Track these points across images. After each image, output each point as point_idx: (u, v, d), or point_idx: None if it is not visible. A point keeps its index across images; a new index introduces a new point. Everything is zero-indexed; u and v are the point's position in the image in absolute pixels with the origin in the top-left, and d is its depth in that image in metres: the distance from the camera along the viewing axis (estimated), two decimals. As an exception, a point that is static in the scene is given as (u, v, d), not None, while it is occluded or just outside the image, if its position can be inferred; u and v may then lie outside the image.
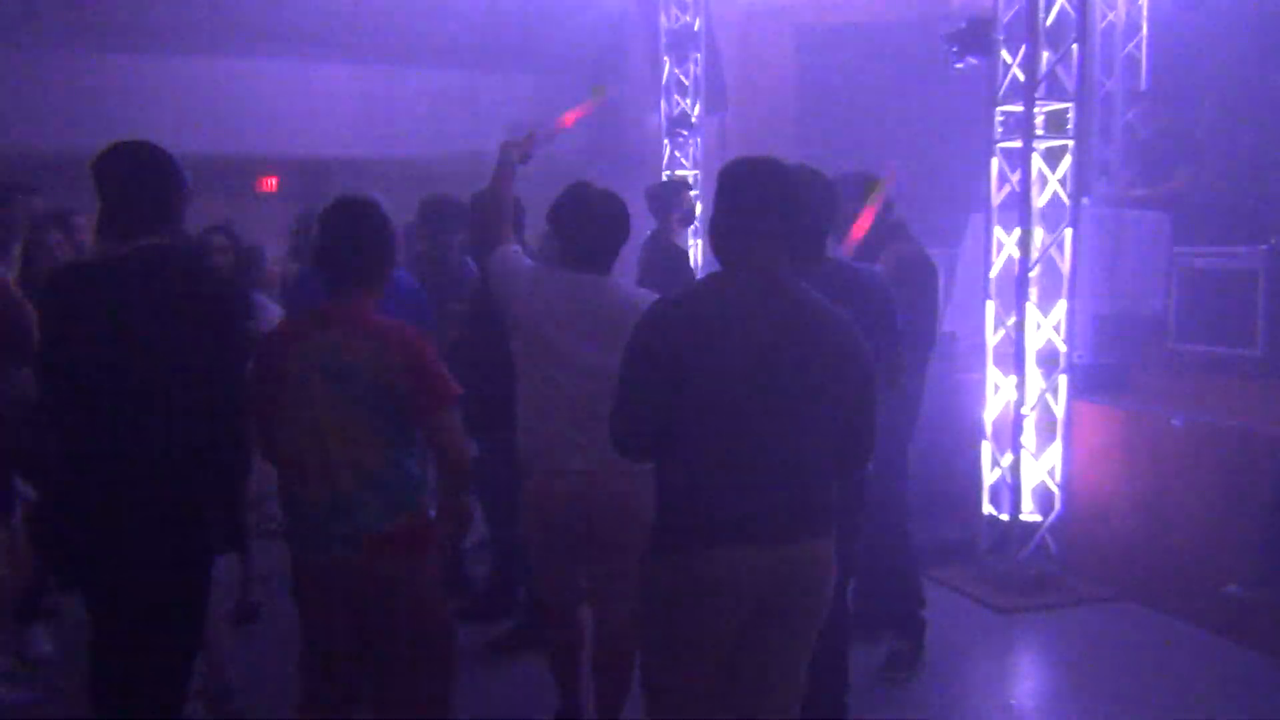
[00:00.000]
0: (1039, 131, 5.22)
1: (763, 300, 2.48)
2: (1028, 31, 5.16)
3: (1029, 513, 5.35)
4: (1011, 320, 5.32)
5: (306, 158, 9.98)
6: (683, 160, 8.59)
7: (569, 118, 4.03)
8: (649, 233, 6.24)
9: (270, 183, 10.74)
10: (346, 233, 2.84)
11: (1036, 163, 5.21)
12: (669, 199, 6.25)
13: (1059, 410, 5.33)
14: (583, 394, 3.21)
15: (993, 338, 5.48)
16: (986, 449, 5.49)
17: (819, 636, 2.68)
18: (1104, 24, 7.48)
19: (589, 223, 3.36)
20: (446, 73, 9.95)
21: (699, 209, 7.73)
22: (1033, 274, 5.22)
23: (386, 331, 2.77)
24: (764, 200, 2.55)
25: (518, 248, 3.65)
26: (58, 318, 2.80)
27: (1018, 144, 5.26)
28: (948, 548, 5.59)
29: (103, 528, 2.72)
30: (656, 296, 2.94)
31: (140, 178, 2.84)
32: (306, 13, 9.13)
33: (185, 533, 2.76)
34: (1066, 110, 5.23)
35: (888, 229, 4.32)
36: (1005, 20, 5.36)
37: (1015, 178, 5.29)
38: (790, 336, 2.45)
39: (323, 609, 2.87)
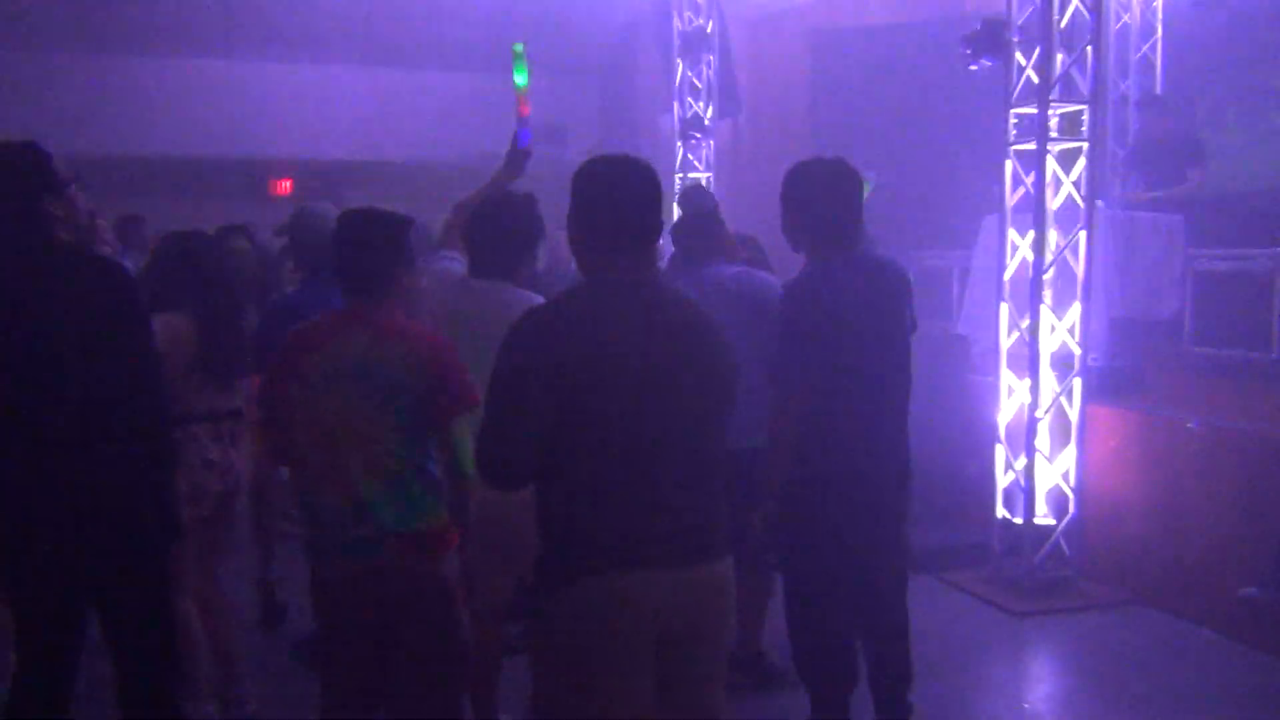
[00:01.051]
0: (1053, 134, 5.21)
1: (638, 310, 2.32)
2: (1042, 33, 5.15)
3: (1043, 516, 5.33)
4: (1025, 323, 5.30)
5: (320, 160, 10.01)
6: (695, 163, 8.59)
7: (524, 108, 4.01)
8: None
9: (284, 185, 10.78)
10: (363, 239, 2.86)
11: (1051, 165, 5.20)
12: (700, 200, 6.24)
13: (1073, 414, 5.31)
14: None
15: (1006, 340, 5.47)
16: (1000, 452, 5.47)
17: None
18: (1118, 26, 7.46)
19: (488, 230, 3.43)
20: (459, 76, 9.98)
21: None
22: (1047, 276, 5.20)
23: (414, 333, 2.81)
24: (620, 203, 2.38)
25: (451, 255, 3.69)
26: None
27: (1032, 146, 5.24)
28: (961, 551, 5.58)
29: (35, 532, 2.74)
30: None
31: (8, 181, 2.83)
32: (320, 17, 9.17)
33: (120, 524, 2.78)
34: (1081, 112, 5.22)
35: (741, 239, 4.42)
36: (1020, 22, 5.34)
37: (1029, 180, 5.28)
38: (670, 347, 2.30)
39: (342, 616, 2.87)
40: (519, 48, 3.78)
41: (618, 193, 2.40)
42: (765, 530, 3.24)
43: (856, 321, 3.20)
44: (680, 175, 8.53)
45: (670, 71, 8.72)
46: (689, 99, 8.59)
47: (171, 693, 2.96)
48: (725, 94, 8.51)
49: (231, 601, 3.84)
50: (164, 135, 9.34)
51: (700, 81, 8.52)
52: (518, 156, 3.80)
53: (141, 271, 4.02)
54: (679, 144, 8.64)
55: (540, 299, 3.16)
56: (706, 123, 8.51)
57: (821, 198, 3.30)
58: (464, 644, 2.94)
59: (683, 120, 8.62)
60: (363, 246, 2.86)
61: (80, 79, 9.24)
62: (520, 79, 3.83)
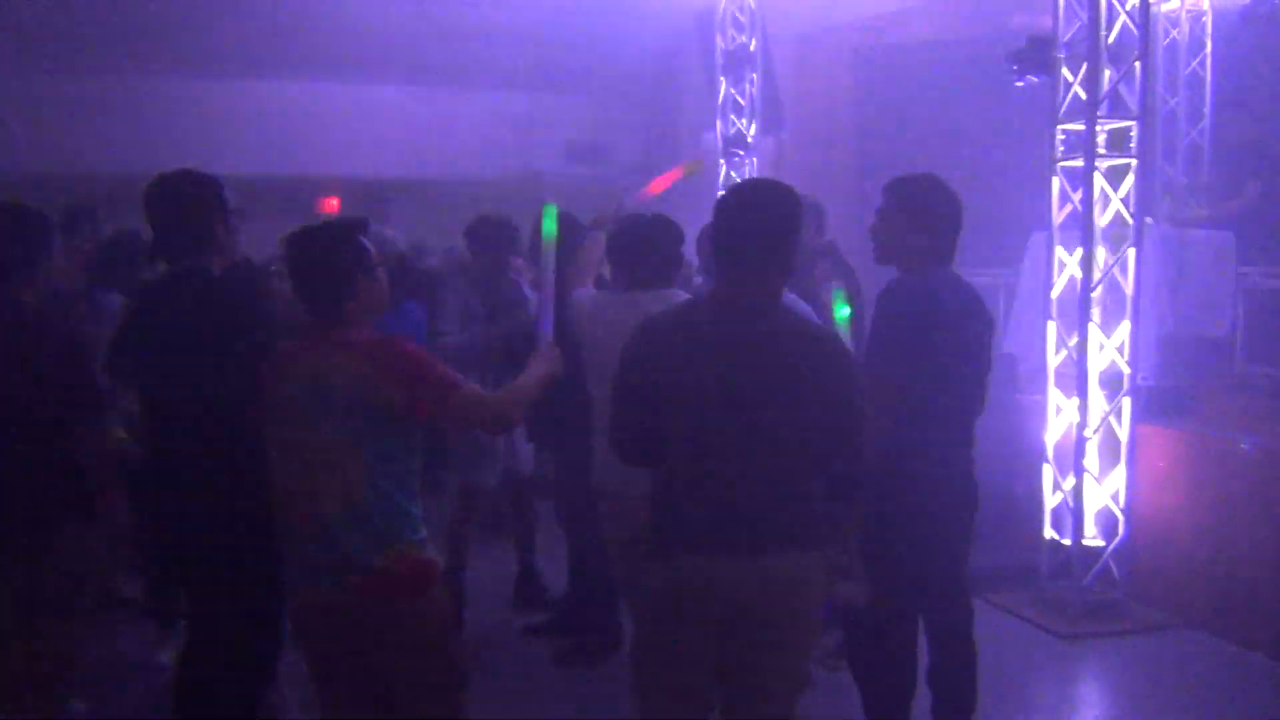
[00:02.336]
0: (1101, 150, 5.15)
1: (730, 322, 2.58)
2: (1090, 49, 5.10)
3: (1091, 537, 5.25)
4: (1074, 341, 5.24)
5: (367, 179, 10.13)
6: (738, 180, 8.58)
7: (657, 185, 4.03)
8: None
9: (332, 203, 10.91)
10: (305, 258, 2.80)
11: (1099, 182, 5.14)
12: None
13: (1123, 433, 5.24)
14: None
15: (1054, 359, 5.40)
16: (1048, 472, 5.40)
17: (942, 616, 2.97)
18: (1167, 41, 7.38)
19: (640, 245, 3.58)
20: (504, 94, 10.06)
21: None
22: (1095, 294, 5.14)
23: (373, 348, 2.70)
24: (741, 224, 2.63)
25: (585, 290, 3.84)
26: (121, 331, 3.25)
27: (1079, 163, 5.19)
28: (1008, 572, 5.50)
29: (183, 526, 3.03)
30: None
31: (180, 205, 3.09)
32: (367, 37, 9.29)
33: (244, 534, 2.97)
34: (1129, 128, 5.16)
35: (818, 249, 4.41)
36: (1066, 38, 5.30)
37: (1077, 197, 5.23)
38: (755, 356, 2.54)
39: (316, 644, 2.82)
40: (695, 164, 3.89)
41: (732, 215, 2.66)
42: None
43: (947, 336, 3.23)
44: (723, 193, 8.52)
45: (713, 89, 8.73)
46: (732, 116, 8.60)
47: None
48: (769, 111, 8.50)
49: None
50: (212, 155, 9.45)
51: (743, 99, 8.53)
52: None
53: None
54: (722, 161, 8.65)
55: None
56: (750, 140, 8.51)
57: (939, 212, 3.33)
58: (450, 693, 2.85)
59: (726, 138, 8.62)
60: (310, 265, 2.78)
61: (131, 100, 9.41)
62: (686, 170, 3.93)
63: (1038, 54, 5.44)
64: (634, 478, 3.23)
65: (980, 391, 3.39)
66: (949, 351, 3.24)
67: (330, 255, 2.76)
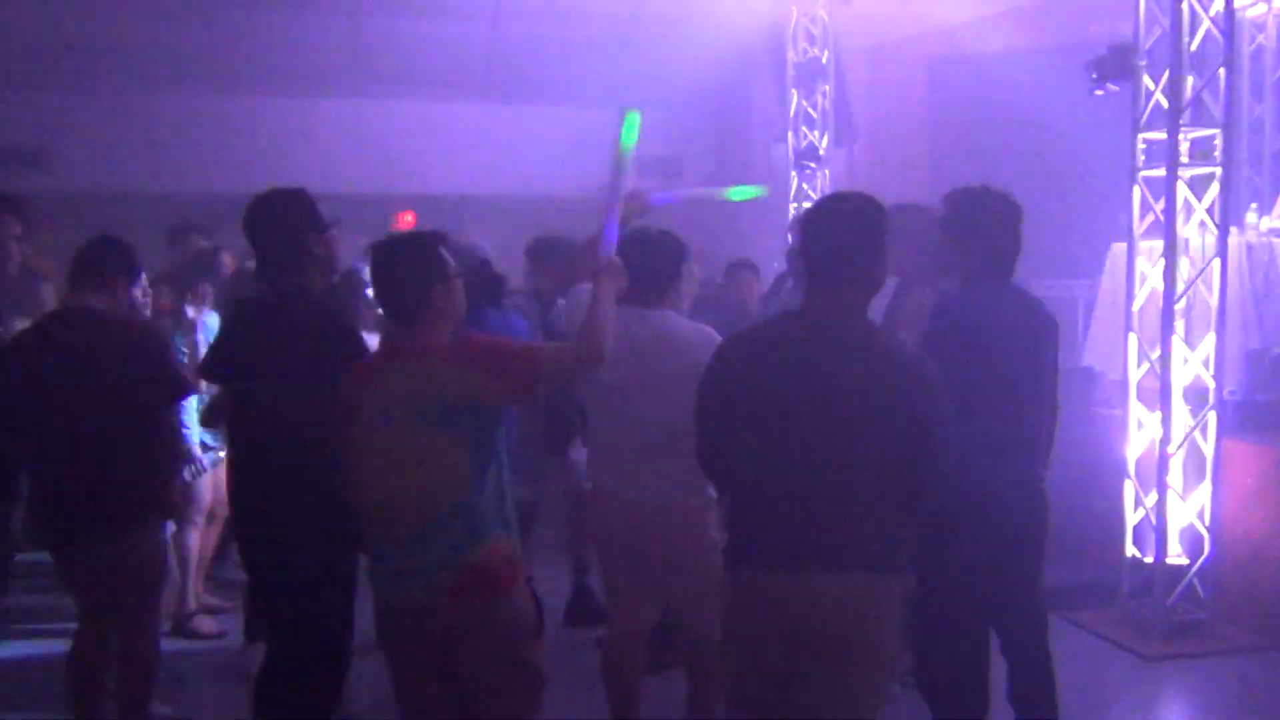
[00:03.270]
0: (1184, 159, 5.04)
1: (810, 338, 2.59)
2: (1172, 57, 5.00)
3: (1175, 556, 5.12)
4: (1156, 355, 5.12)
5: (442, 194, 10.26)
6: (810, 192, 8.55)
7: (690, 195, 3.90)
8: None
9: (407, 219, 11.08)
10: (390, 270, 2.87)
11: (1182, 191, 5.03)
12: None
13: (1208, 449, 5.10)
14: (644, 426, 3.37)
15: (1135, 373, 5.29)
16: (1129, 488, 5.28)
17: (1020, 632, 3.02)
18: (1252, 47, 7.20)
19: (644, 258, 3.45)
20: (578, 110, 10.12)
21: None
22: (1178, 307, 5.02)
23: (455, 351, 2.77)
24: (823, 239, 2.64)
25: (587, 286, 3.70)
26: (225, 342, 3.39)
27: (1161, 172, 5.08)
28: (1087, 590, 5.39)
29: (259, 532, 3.16)
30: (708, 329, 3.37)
31: (276, 225, 3.20)
32: (443, 55, 9.43)
33: (318, 539, 3.09)
34: (1213, 137, 5.04)
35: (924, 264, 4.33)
36: (1148, 46, 5.20)
37: (1159, 207, 5.12)
38: (841, 378, 2.53)
39: (404, 650, 2.86)
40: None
41: (816, 229, 2.67)
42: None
43: (1003, 350, 3.19)
44: (795, 205, 8.52)
45: (784, 102, 8.73)
46: (804, 129, 8.58)
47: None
48: (841, 123, 8.47)
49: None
50: (295, 173, 9.69)
51: (815, 111, 8.50)
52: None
53: None
54: (793, 173, 8.63)
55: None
56: (822, 152, 8.48)
57: (991, 224, 3.30)
58: (532, 693, 2.89)
59: (797, 150, 8.60)
60: (390, 276, 2.86)
61: (215, 120, 9.67)
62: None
63: (1118, 62, 5.35)
64: (634, 482, 3.39)
65: (1042, 406, 3.32)
66: (1001, 366, 3.19)
67: (410, 266, 2.84)
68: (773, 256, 7.81)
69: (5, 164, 9.08)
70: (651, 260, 3.46)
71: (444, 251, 2.87)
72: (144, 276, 4.08)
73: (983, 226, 3.29)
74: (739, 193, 3.85)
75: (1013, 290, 3.32)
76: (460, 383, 2.69)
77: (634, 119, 3.26)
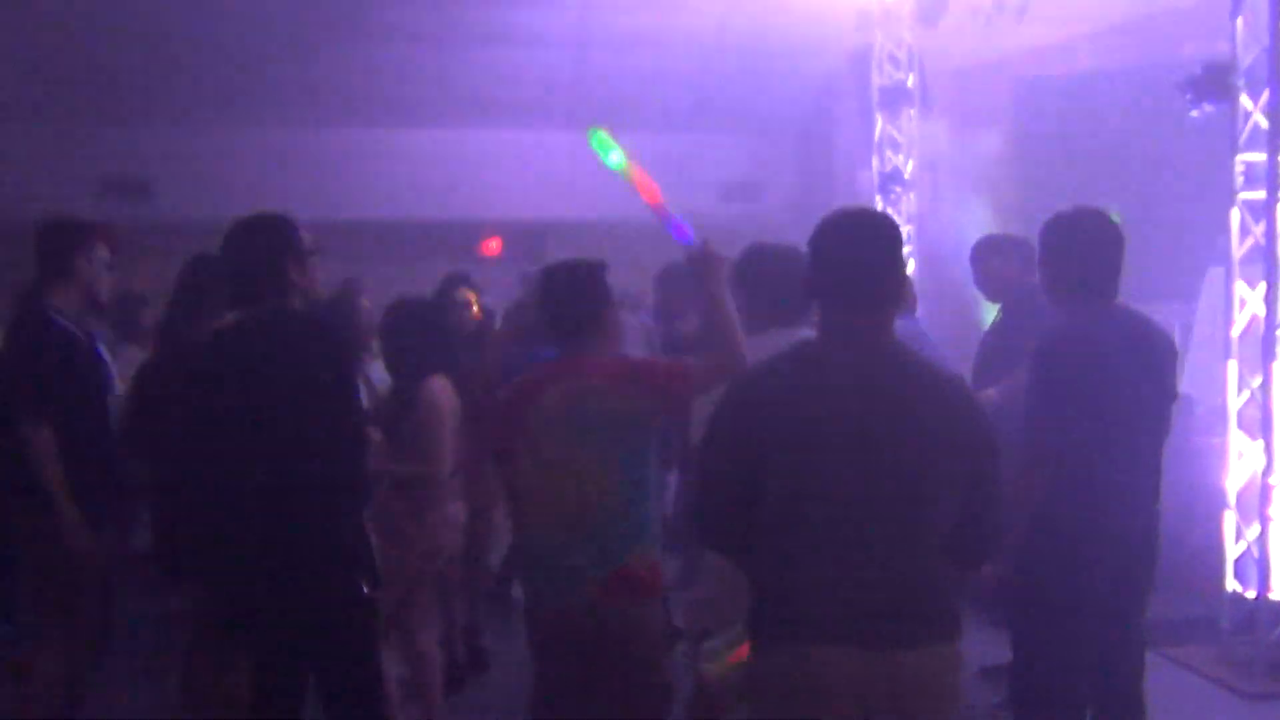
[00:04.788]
0: (1286, 180, 4.88)
1: (859, 369, 2.24)
2: (1272, 76, 4.85)
3: (1279, 590, 4.93)
4: (1257, 382, 4.96)
5: (526, 220, 10.40)
6: (895, 217, 8.48)
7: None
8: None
9: (492, 245, 11.24)
10: (566, 291, 3.08)
11: (1283, 214, 4.87)
12: None
13: (1313, 480, 4.91)
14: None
15: (1235, 401, 5.12)
16: (1230, 520, 5.11)
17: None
18: (1358, 64, 6.95)
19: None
20: (660, 136, 10.18)
21: (911, 265, 7.69)
22: (1280, 332, 4.86)
23: (620, 369, 2.98)
24: (856, 256, 2.30)
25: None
26: (200, 374, 3.23)
27: (1261, 195, 4.93)
28: (1186, 625, 5.22)
29: (254, 567, 3.02)
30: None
31: (256, 248, 3.16)
32: (529, 85, 9.57)
33: (330, 566, 3.03)
34: (1316, 158, 4.88)
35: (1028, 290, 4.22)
36: (1246, 64, 5.07)
37: (1259, 230, 4.96)
38: (893, 412, 2.20)
39: (551, 656, 2.99)
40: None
41: (845, 248, 2.33)
42: (997, 585, 3.12)
43: (1115, 379, 3.07)
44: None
45: (868, 127, 8.68)
46: (888, 153, 8.52)
47: None
48: (926, 147, 8.42)
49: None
50: (379, 201, 9.93)
51: (900, 136, 8.44)
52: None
53: (379, 335, 4.28)
54: (878, 197, 8.57)
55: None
56: (907, 176, 8.42)
57: (1083, 247, 3.21)
58: (661, 697, 2.98)
59: (882, 175, 8.55)
60: (566, 297, 3.06)
61: (309, 150, 9.93)
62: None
63: (1215, 81, 5.21)
64: None
65: (1158, 435, 3.23)
66: (1112, 394, 3.08)
67: (588, 290, 3.05)
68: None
69: (107, 194, 9.43)
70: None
71: (607, 280, 3.09)
72: None
73: (1080, 250, 3.22)
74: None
75: (1123, 314, 3.23)
76: (621, 400, 2.89)
77: (598, 135, 3.36)
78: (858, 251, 2.31)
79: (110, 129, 9.56)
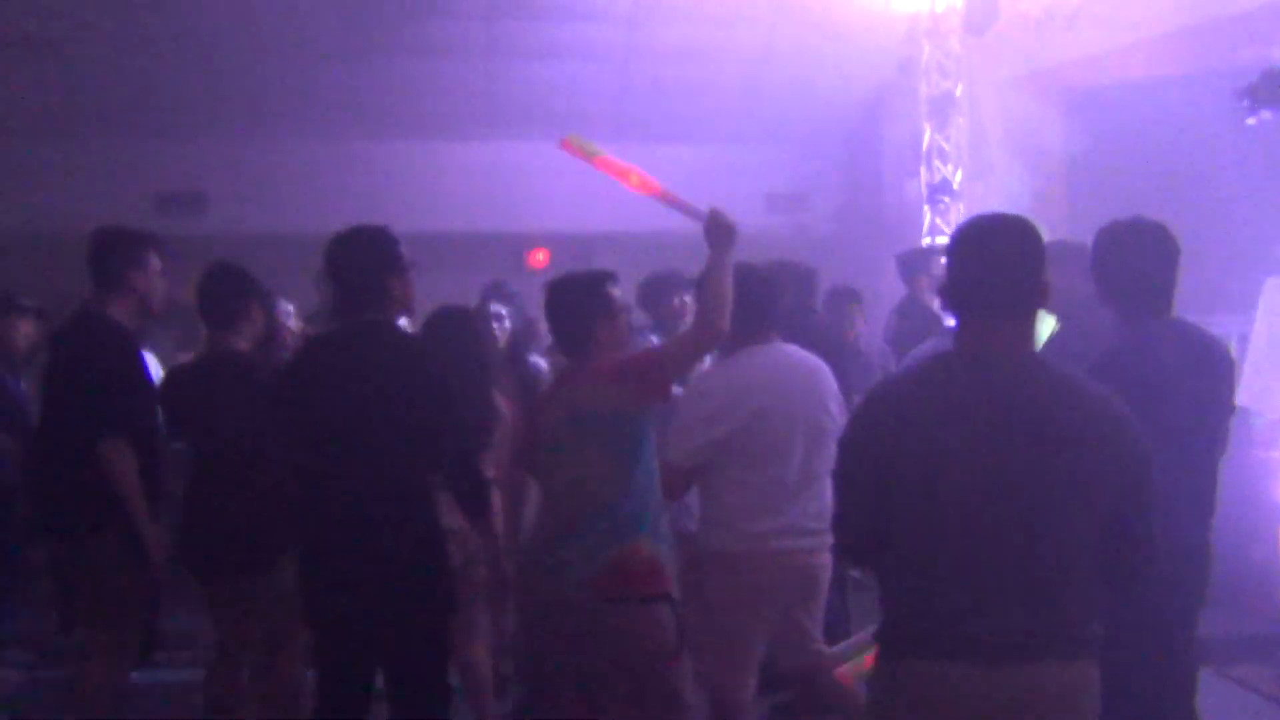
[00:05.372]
0: (1345, 188, 4.80)
1: (995, 382, 2.19)
2: (1330, 82, 4.78)
3: (1341, 608, 4.83)
4: (1316, 394, 4.86)
5: (573, 232, 10.44)
6: (943, 227, 8.41)
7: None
8: (900, 299, 6.16)
9: (540, 257, 11.29)
10: (559, 304, 3.21)
11: (1343, 222, 4.78)
12: (918, 264, 6.16)
13: (1376, 494, 4.81)
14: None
15: (1294, 413, 5.03)
16: (1288, 535, 5.01)
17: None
18: None
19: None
20: (706, 148, 10.21)
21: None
22: (1341, 343, 4.76)
23: (605, 368, 3.08)
24: (998, 263, 2.25)
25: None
26: (291, 383, 3.31)
27: (1320, 202, 4.85)
28: (1245, 643, 5.12)
29: (345, 576, 3.07)
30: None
31: (359, 261, 3.22)
32: (574, 98, 9.62)
33: (413, 573, 3.08)
34: (1378, 165, 4.79)
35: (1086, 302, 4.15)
36: (1304, 70, 4.99)
37: (1318, 239, 4.87)
38: (1031, 426, 2.15)
39: (548, 649, 3.03)
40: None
41: (981, 255, 2.28)
42: None
43: (1170, 392, 3.00)
44: (928, 239, 8.40)
45: (916, 137, 8.63)
46: (937, 163, 8.47)
47: None
48: (975, 157, 8.35)
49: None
50: (432, 213, 10.01)
51: (949, 145, 8.39)
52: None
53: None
54: (926, 208, 8.51)
55: None
56: (956, 187, 8.35)
57: (1136, 259, 3.18)
58: (667, 699, 2.96)
59: (930, 185, 8.49)
60: (560, 311, 3.19)
61: (359, 163, 10.04)
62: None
63: (1272, 88, 5.13)
64: (764, 529, 3.32)
65: (1213, 451, 3.17)
66: (1166, 410, 2.98)
67: (579, 302, 3.15)
68: (896, 292, 7.71)
69: (163, 208, 9.60)
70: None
71: (610, 289, 3.16)
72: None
73: (1136, 262, 3.17)
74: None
75: (1178, 326, 3.18)
76: (607, 395, 3.00)
77: (575, 139, 3.51)
78: (995, 259, 2.26)
79: (167, 144, 9.74)
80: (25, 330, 5.32)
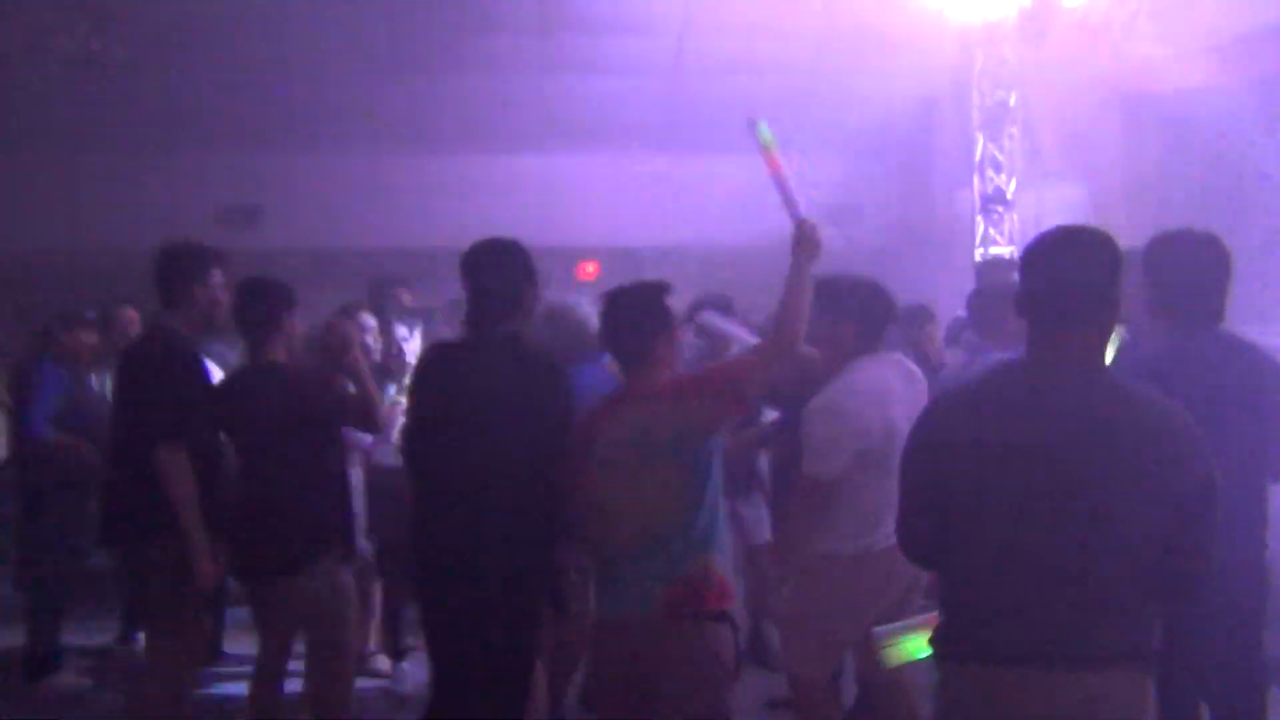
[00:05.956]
0: None
1: (1059, 393, 2.23)
2: (1397, 87, 4.66)
3: None
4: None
5: (623, 246, 10.47)
6: (997, 237, 8.33)
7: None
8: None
9: (589, 269, 11.33)
10: (620, 317, 3.12)
11: None
12: (993, 275, 6.13)
13: None
14: None
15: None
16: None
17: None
18: None
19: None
20: (756, 159, 10.19)
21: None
22: None
23: (674, 386, 3.02)
24: (1062, 277, 2.29)
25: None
26: (418, 389, 3.44)
27: (1386, 211, 4.72)
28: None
29: (453, 580, 3.18)
30: None
31: (493, 272, 3.32)
32: (624, 110, 9.66)
33: (522, 590, 3.17)
34: None
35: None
36: (1368, 76, 4.87)
37: (1385, 248, 4.75)
38: (1087, 437, 2.17)
39: (611, 671, 3.01)
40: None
41: (1055, 265, 2.32)
42: None
43: (1217, 406, 2.90)
44: (981, 250, 8.31)
45: (969, 146, 8.56)
46: (990, 173, 8.38)
47: None
48: (1029, 167, 8.26)
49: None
50: (484, 226, 10.06)
51: (1002, 155, 8.30)
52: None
53: None
54: (980, 218, 8.43)
55: None
56: (1009, 196, 8.26)
57: (1187, 270, 3.12)
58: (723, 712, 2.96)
59: (983, 195, 8.41)
60: (618, 323, 3.11)
61: (412, 177, 10.14)
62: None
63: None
64: (884, 532, 3.27)
65: (1267, 464, 3.10)
66: (1217, 422, 2.94)
67: (638, 315, 3.08)
68: (954, 304, 7.63)
69: (220, 221, 9.77)
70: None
71: (667, 302, 3.10)
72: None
73: (1186, 272, 3.11)
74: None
75: (1228, 339, 3.11)
76: (676, 416, 2.92)
77: (763, 128, 3.46)
78: (1067, 269, 2.30)
79: (224, 159, 9.92)
80: (89, 341, 5.51)
